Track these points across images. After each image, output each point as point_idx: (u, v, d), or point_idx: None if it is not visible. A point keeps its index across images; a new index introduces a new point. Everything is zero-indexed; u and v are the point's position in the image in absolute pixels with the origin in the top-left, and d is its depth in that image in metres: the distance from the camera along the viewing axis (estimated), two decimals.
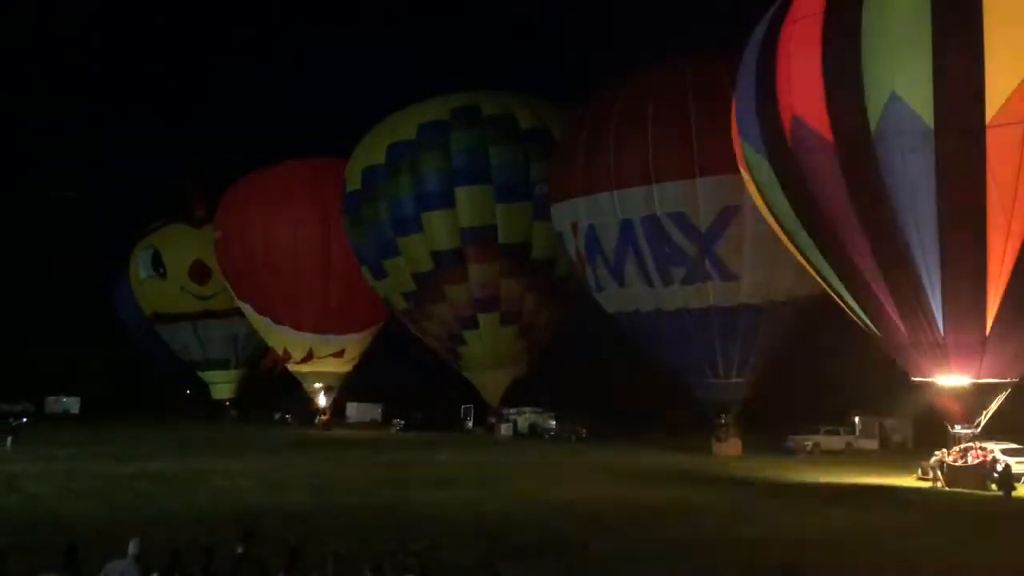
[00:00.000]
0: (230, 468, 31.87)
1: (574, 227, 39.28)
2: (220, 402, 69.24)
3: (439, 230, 45.66)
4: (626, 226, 37.08)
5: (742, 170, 30.95)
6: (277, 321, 56.06)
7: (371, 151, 48.66)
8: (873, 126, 25.53)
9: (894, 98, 25.11)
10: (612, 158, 36.88)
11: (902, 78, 25.04)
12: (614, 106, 37.91)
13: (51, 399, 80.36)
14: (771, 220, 30.49)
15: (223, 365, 67.49)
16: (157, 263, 65.01)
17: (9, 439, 40.59)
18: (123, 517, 19.91)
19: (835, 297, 30.09)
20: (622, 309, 39.52)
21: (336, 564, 10.55)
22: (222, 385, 68.94)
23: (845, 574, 16.04)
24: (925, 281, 26.37)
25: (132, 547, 10.63)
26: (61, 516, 20.71)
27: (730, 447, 39.47)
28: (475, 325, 47.29)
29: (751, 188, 30.81)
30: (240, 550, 11.26)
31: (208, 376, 69.07)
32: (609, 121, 37.46)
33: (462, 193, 45.15)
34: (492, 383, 50.24)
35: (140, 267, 66.02)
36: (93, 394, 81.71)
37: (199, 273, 63.95)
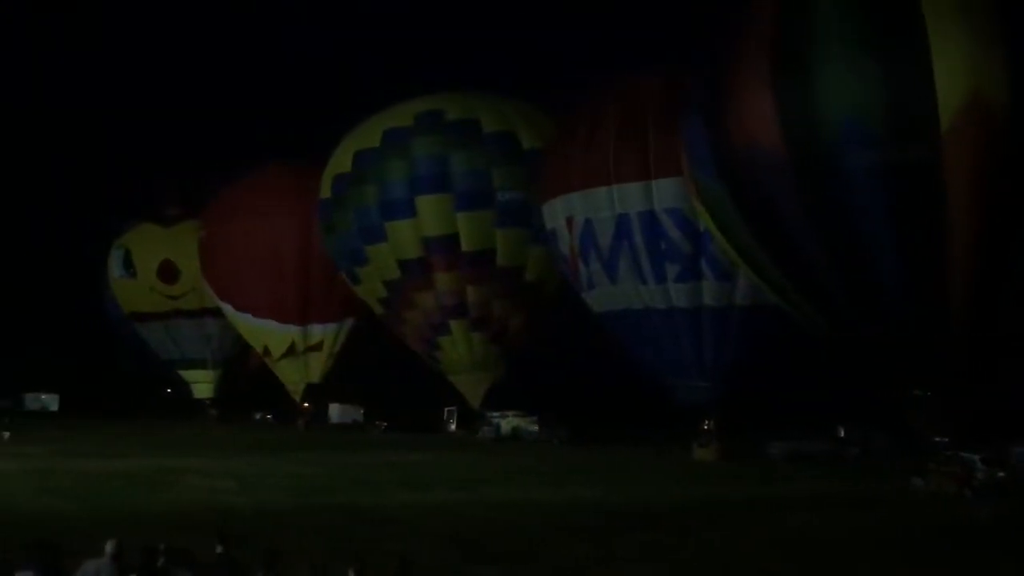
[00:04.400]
0: (208, 468, 31.72)
1: (569, 222, 39.17)
2: (201, 401, 69.10)
3: (403, 239, 45.68)
4: (623, 221, 37.09)
5: (695, 202, 31.26)
6: (259, 316, 56.09)
7: (339, 159, 48.70)
8: (830, 145, 25.80)
9: (849, 116, 25.41)
10: (611, 153, 36.94)
11: (855, 95, 25.34)
12: (613, 104, 38.04)
13: (30, 396, 79.72)
14: (729, 249, 30.80)
15: (200, 364, 67.40)
16: (128, 263, 65.06)
17: (6, 435, 41.22)
18: (100, 516, 19.81)
19: (800, 315, 30.33)
20: (611, 308, 39.41)
21: (314, 567, 10.54)
22: (202, 384, 68.82)
23: None
24: (890, 290, 26.63)
25: (109, 547, 10.56)
26: (38, 514, 20.56)
27: (711, 452, 39.61)
28: (447, 331, 47.35)
29: (706, 219, 31.11)
30: (219, 550, 11.20)
31: (188, 375, 68.96)
32: (608, 118, 37.60)
33: (423, 202, 45.05)
34: (470, 386, 50.29)
35: (113, 267, 66.01)
36: (72, 391, 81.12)
37: (167, 273, 64.00)
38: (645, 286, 37.45)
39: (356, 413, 70.36)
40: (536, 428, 51.62)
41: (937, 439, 28.76)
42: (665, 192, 35.73)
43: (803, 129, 26.23)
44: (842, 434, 43.54)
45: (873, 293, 27.00)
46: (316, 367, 57.88)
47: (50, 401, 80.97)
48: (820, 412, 45.41)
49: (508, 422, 53.10)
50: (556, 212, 40.02)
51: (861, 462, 40.37)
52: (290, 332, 56.31)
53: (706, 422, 39.88)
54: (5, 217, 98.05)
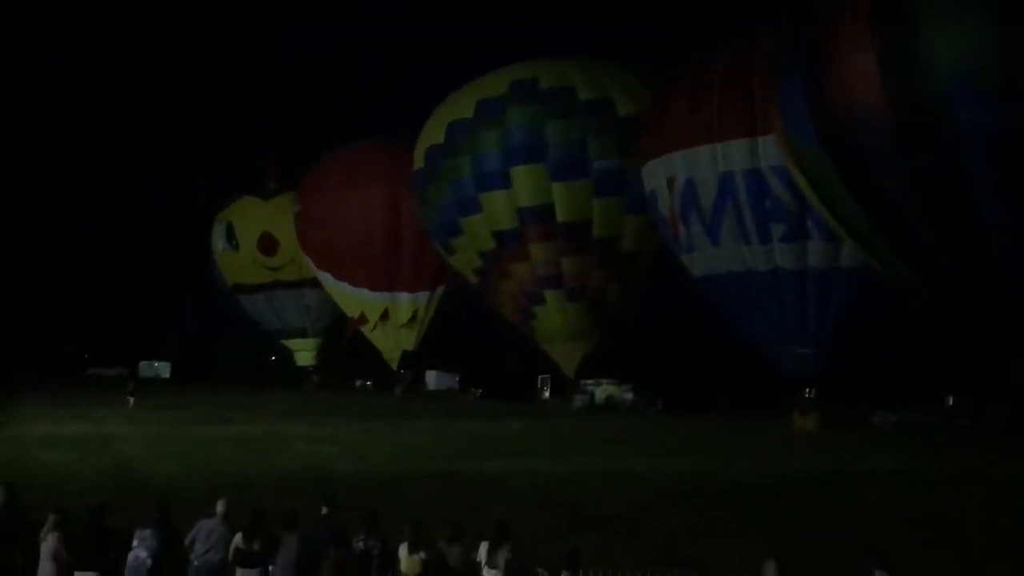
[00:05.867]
0: (313, 434, 32.71)
1: (670, 183, 38.40)
2: (304, 369, 71.30)
3: (498, 210, 45.64)
4: (726, 180, 36.18)
5: (790, 166, 30.27)
6: (355, 285, 57.45)
7: (432, 130, 48.88)
8: (937, 102, 24.52)
9: (956, 72, 24.08)
10: (716, 110, 35.96)
11: (963, 49, 23.99)
12: (718, 59, 36.98)
13: (144, 364, 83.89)
14: (827, 214, 29.77)
15: (301, 333, 69.41)
16: (231, 236, 67.19)
17: (131, 400, 43.54)
18: (212, 478, 20.64)
19: (902, 282, 29.18)
20: (712, 271, 38.60)
21: (414, 531, 10.77)
22: (304, 352, 70.93)
23: None
24: (1002, 257, 25.34)
25: (220, 506, 11.06)
26: (153, 477, 21.57)
27: (812, 421, 38.72)
28: (542, 301, 47.41)
29: (801, 183, 30.10)
30: (324, 511, 11.60)
31: (290, 344, 71.15)
32: (712, 74, 36.55)
33: (518, 172, 44.87)
34: (565, 355, 50.38)
35: (217, 239, 68.29)
36: (183, 360, 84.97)
37: (267, 245, 65.85)
38: (748, 247, 36.45)
39: (452, 380, 71.58)
40: (631, 396, 51.46)
41: None
42: (772, 149, 34.26)
43: (908, 87, 25.11)
44: (951, 404, 41.96)
45: (983, 259, 25.82)
46: (410, 334, 58.95)
47: (162, 369, 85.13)
48: (928, 380, 43.86)
49: (603, 390, 53.05)
50: (656, 173, 39.18)
51: (971, 433, 38.86)
52: (383, 300, 57.49)
53: (807, 390, 38.92)
54: (119, 198, 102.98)
